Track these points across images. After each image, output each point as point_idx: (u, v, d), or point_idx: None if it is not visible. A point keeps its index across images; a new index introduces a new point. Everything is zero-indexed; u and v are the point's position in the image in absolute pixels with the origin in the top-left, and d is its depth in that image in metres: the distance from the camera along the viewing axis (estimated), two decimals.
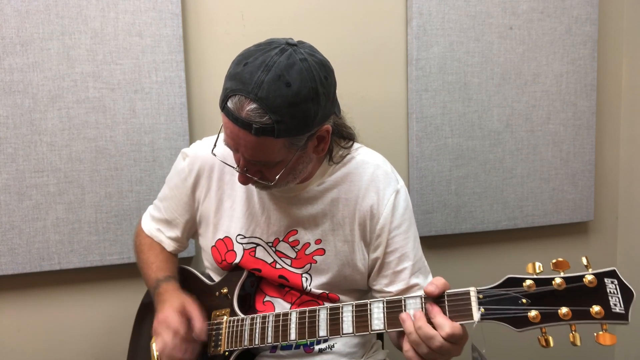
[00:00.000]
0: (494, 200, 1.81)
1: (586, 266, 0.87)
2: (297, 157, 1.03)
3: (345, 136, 1.16)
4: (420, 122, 1.71)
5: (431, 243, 1.81)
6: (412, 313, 0.94)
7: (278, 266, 1.18)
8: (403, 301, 0.96)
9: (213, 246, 1.22)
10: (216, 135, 1.09)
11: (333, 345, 1.19)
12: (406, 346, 0.94)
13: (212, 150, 1.09)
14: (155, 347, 1.06)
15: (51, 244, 1.50)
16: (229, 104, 0.94)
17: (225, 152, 1.10)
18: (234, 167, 1.06)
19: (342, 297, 1.20)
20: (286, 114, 0.93)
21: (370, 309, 1.00)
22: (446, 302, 0.93)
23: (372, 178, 1.17)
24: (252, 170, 1.04)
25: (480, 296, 0.90)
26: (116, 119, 1.50)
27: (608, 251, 2.02)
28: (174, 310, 1.08)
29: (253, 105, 0.92)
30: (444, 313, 0.91)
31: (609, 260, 2.01)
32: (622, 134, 1.97)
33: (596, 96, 1.86)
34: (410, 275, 1.18)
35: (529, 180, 1.83)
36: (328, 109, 1.01)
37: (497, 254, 1.89)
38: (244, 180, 1.06)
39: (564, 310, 0.85)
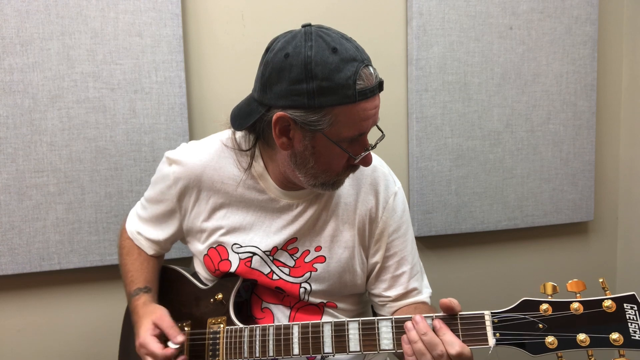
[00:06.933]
0: (494, 200, 1.81)
1: (604, 289, 0.86)
2: None
3: None
4: (420, 122, 1.71)
5: (431, 243, 1.81)
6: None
7: (275, 277, 1.15)
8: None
9: (205, 255, 1.18)
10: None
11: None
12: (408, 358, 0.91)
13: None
14: None
15: (51, 244, 1.50)
16: (360, 85, 0.95)
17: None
18: (358, 156, 1.03)
19: (339, 305, 1.18)
20: None
21: (378, 327, 0.98)
22: (459, 325, 0.91)
23: (371, 181, 1.17)
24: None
25: (495, 320, 0.89)
26: (116, 119, 1.50)
27: (608, 251, 2.01)
28: (148, 333, 1.06)
29: (371, 68, 0.98)
30: (457, 336, 0.90)
31: (609, 261, 2.00)
32: (622, 134, 1.97)
33: (596, 96, 1.86)
34: (409, 279, 1.17)
35: (529, 180, 1.83)
36: None
37: (497, 254, 1.88)
38: (371, 158, 1.07)
39: (581, 336, 0.84)
